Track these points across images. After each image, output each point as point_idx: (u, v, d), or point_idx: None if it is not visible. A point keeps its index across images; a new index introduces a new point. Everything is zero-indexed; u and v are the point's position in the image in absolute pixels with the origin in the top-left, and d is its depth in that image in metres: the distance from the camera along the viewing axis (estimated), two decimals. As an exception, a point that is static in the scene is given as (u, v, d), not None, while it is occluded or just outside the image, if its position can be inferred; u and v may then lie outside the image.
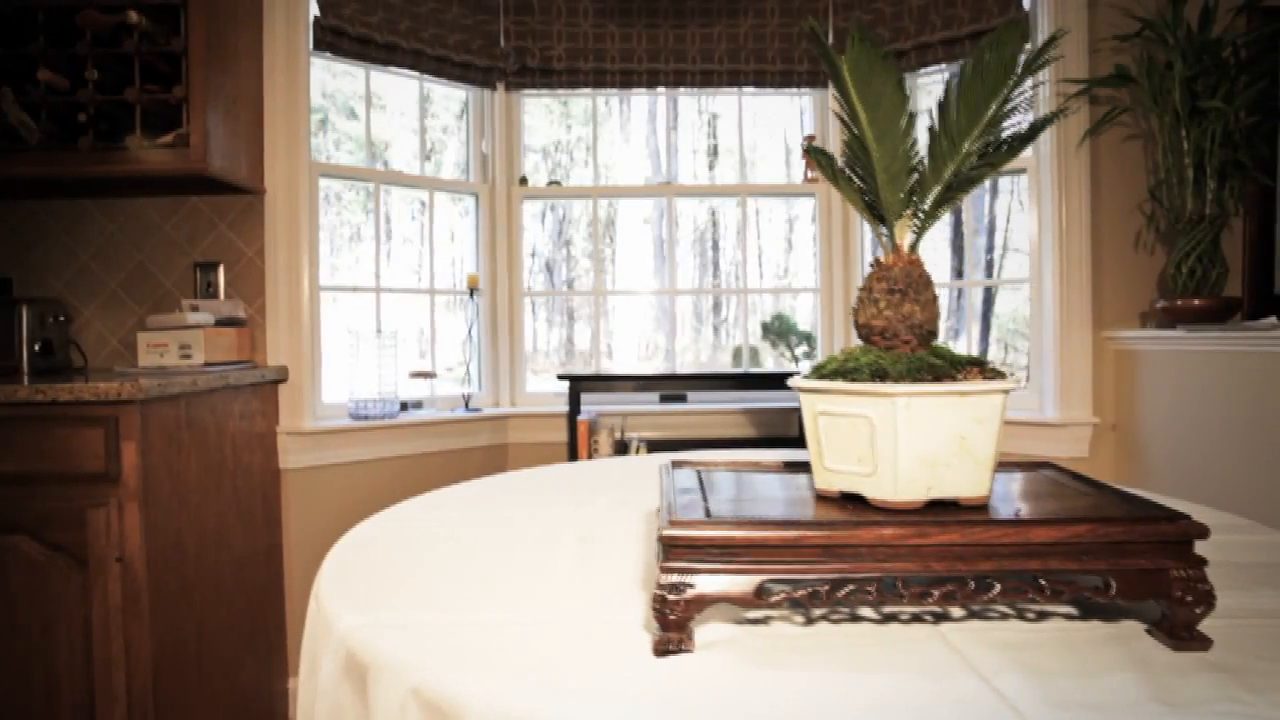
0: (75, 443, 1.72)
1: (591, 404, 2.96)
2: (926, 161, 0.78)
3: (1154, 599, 0.71)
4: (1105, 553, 0.71)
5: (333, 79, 3.25)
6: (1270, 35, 2.20)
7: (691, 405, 3.00)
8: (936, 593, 0.70)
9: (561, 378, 2.73)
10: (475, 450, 2.84)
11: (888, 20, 2.75)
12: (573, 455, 2.67)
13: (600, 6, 2.89)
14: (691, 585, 0.69)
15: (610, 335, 3.85)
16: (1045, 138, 2.49)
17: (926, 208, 0.80)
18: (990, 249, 4.51)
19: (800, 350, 3.71)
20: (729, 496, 0.83)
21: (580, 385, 2.70)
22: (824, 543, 0.69)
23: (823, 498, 0.80)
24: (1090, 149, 2.44)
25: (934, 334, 0.81)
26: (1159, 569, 0.71)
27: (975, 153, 0.79)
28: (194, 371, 2.05)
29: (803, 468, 0.92)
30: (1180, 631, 0.71)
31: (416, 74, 2.81)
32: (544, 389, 3.04)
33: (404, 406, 2.77)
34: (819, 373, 0.80)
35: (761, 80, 2.94)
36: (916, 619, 0.77)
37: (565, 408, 2.77)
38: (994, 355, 4.26)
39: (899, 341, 0.79)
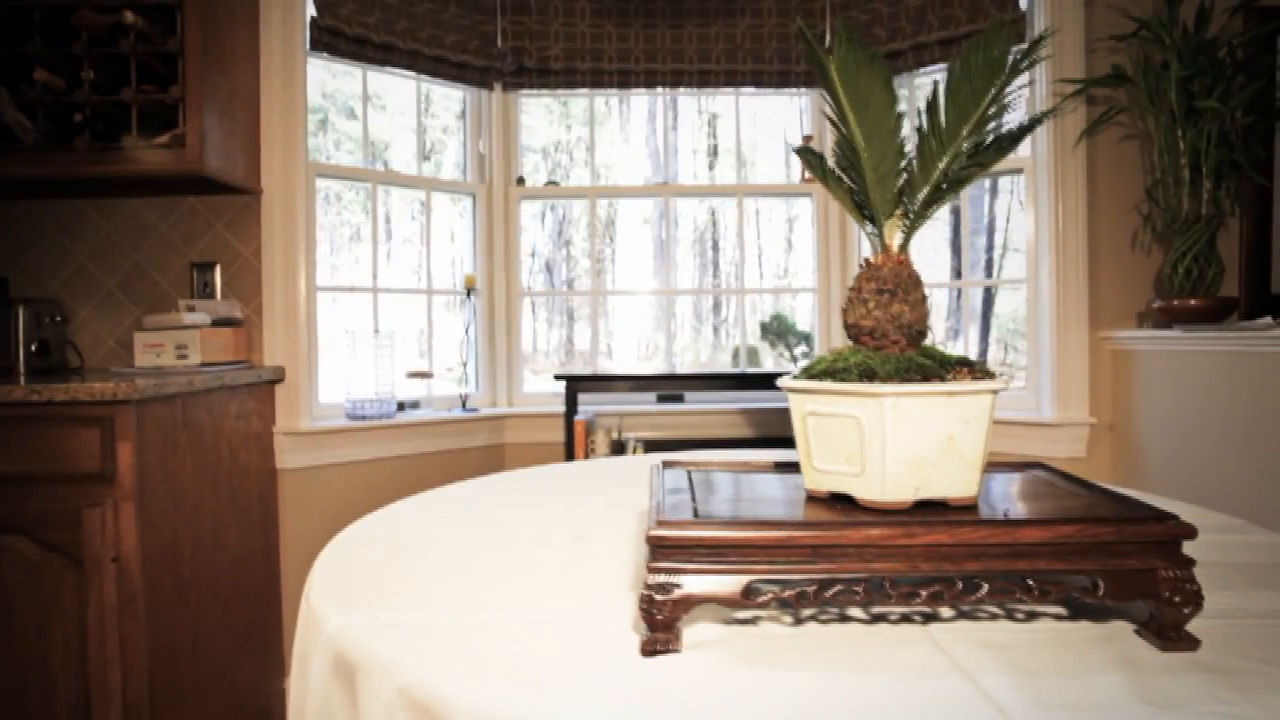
0: (71, 443, 1.72)
1: (589, 404, 2.96)
2: (915, 162, 0.78)
3: (1142, 599, 0.71)
4: (1093, 553, 0.71)
5: (333, 79, 3.26)
6: (1266, 35, 2.20)
7: (689, 405, 3.00)
8: (924, 593, 0.70)
9: (558, 378, 2.73)
10: (472, 450, 2.84)
11: (885, 20, 2.75)
12: (570, 455, 2.67)
13: (597, 7, 2.89)
14: (679, 585, 0.69)
15: (610, 335, 3.85)
16: (1042, 138, 2.49)
17: (916, 208, 0.80)
18: (990, 249, 4.51)
19: (799, 350, 3.72)
20: (718, 497, 0.83)
21: (577, 385, 2.70)
22: (811, 543, 0.69)
23: (812, 498, 0.80)
24: (1087, 149, 2.44)
25: (923, 334, 0.81)
26: (1147, 569, 0.71)
27: (965, 153, 0.79)
28: (190, 372, 2.05)
29: (793, 468, 0.92)
30: (1168, 632, 0.71)
31: (413, 74, 2.81)
32: (542, 389, 3.04)
33: (401, 407, 2.77)
34: (808, 373, 0.80)
35: (759, 80, 2.94)
36: (905, 619, 0.77)
37: (562, 408, 2.76)
38: (994, 355, 4.26)
39: (888, 341, 0.79)
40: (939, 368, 0.76)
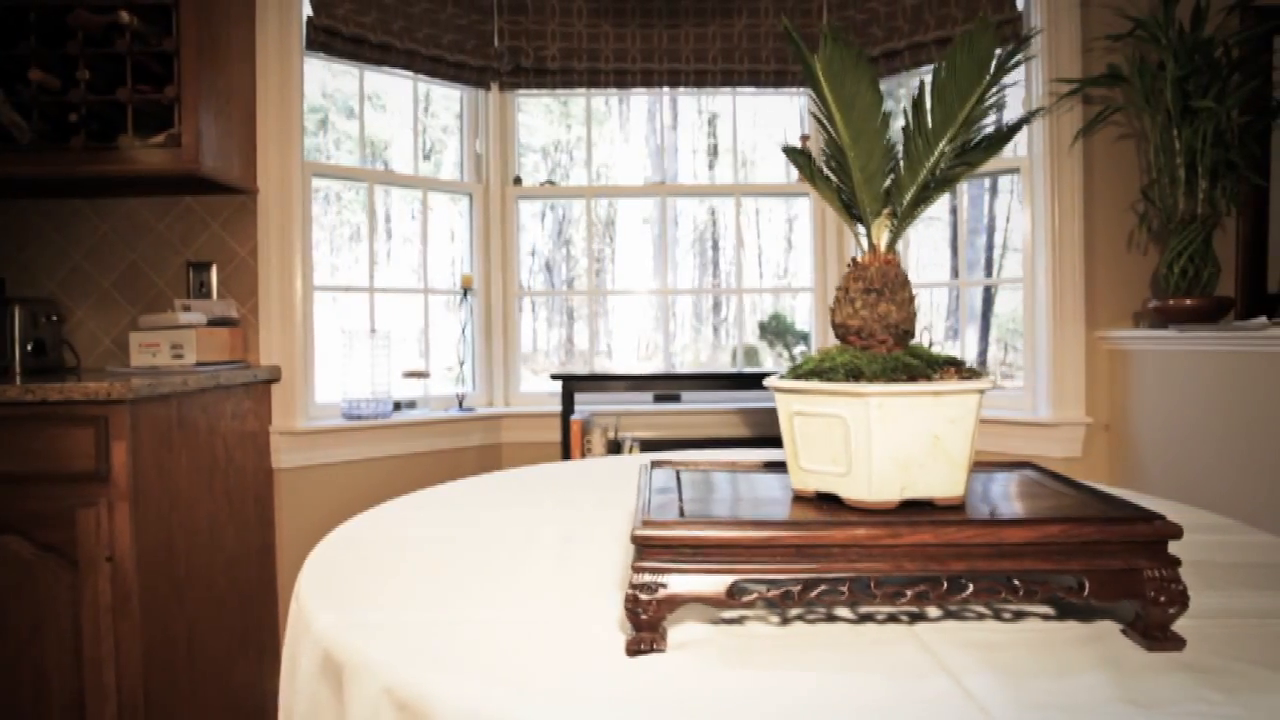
0: (65, 442, 1.72)
1: (587, 404, 2.96)
2: (902, 161, 0.78)
3: (1128, 599, 0.71)
4: (1079, 553, 0.71)
5: (333, 78, 3.26)
6: (1263, 34, 2.20)
7: (685, 405, 2.99)
8: (909, 593, 0.70)
9: (555, 377, 2.74)
10: (469, 450, 2.84)
11: (881, 20, 2.75)
12: (566, 455, 2.67)
13: (594, 6, 2.89)
14: (664, 585, 0.69)
15: (610, 335, 3.85)
16: (1038, 137, 2.49)
17: (903, 208, 0.80)
18: (990, 248, 4.51)
19: (798, 350, 3.71)
20: (705, 496, 0.83)
21: (573, 385, 2.70)
22: (796, 543, 0.69)
23: (799, 498, 0.80)
24: (1083, 148, 2.44)
25: (910, 333, 0.81)
26: (1133, 569, 0.71)
27: (952, 152, 0.79)
28: (185, 371, 2.05)
29: (782, 468, 0.92)
30: (1154, 632, 0.71)
31: (410, 74, 2.81)
32: (539, 389, 3.04)
33: (398, 406, 2.77)
34: (795, 373, 0.80)
35: (756, 80, 2.94)
36: (892, 619, 0.77)
37: (559, 408, 2.76)
38: (994, 355, 4.26)
39: (875, 341, 0.79)
40: (926, 367, 0.76)
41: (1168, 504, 1.29)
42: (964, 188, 2.90)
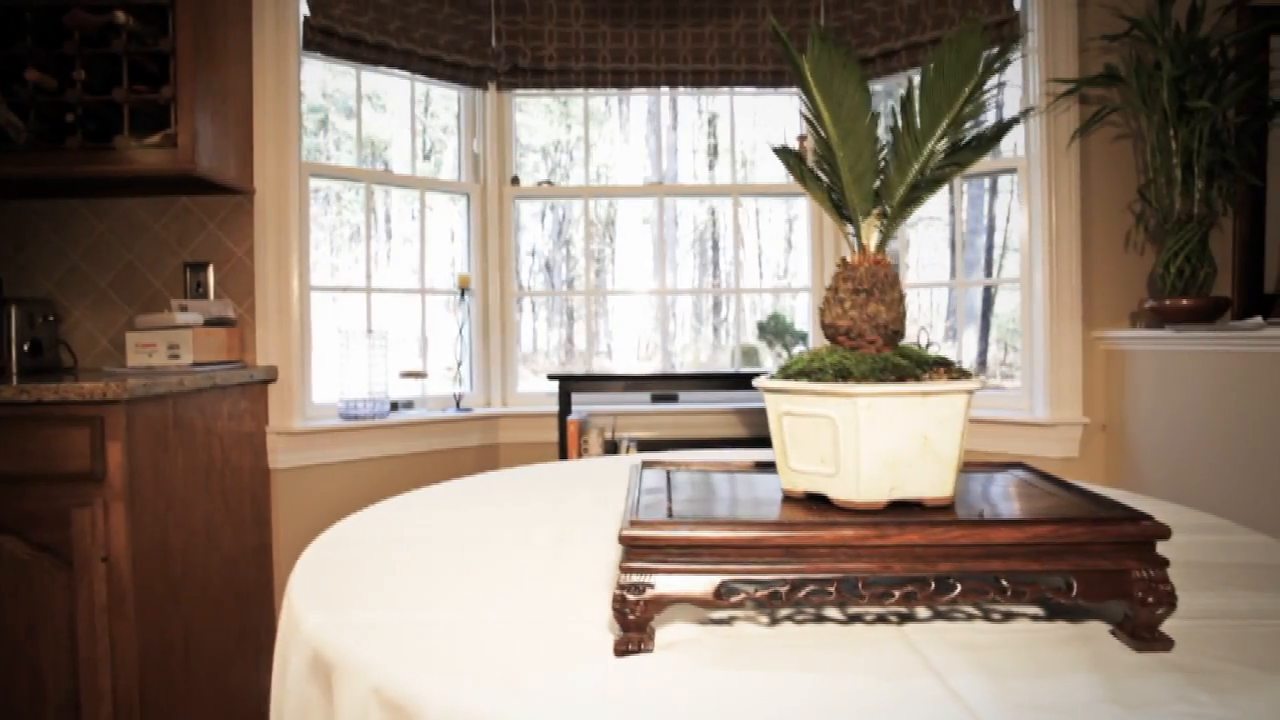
0: (61, 442, 1.72)
1: (585, 404, 2.96)
2: (891, 162, 0.78)
3: (1116, 600, 0.71)
4: (1067, 553, 0.71)
5: (333, 78, 3.26)
6: (1259, 34, 2.20)
7: (683, 405, 2.99)
8: (897, 593, 0.70)
9: (552, 377, 2.73)
10: (466, 450, 2.84)
11: (879, 20, 2.75)
12: (563, 455, 2.67)
13: (592, 6, 2.89)
14: (651, 585, 0.69)
15: (610, 335, 3.84)
16: (1035, 137, 2.49)
17: (893, 208, 0.80)
18: (990, 248, 4.51)
19: (797, 350, 3.71)
20: (695, 497, 0.82)
21: (570, 385, 2.70)
22: (784, 543, 0.69)
23: (788, 498, 0.80)
24: (1080, 148, 2.43)
25: (900, 334, 0.81)
26: (1121, 570, 0.71)
27: (941, 152, 0.78)
28: (181, 371, 2.05)
29: (773, 468, 0.92)
30: (1142, 632, 0.71)
31: (407, 74, 2.81)
32: (536, 389, 3.04)
33: (395, 406, 2.77)
34: (784, 373, 0.79)
35: (753, 80, 2.94)
36: (881, 620, 0.77)
37: (556, 408, 2.76)
38: (994, 355, 4.27)
39: (864, 341, 0.79)
40: (915, 367, 0.76)
41: (1162, 504, 1.29)
42: (964, 187, 2.89)
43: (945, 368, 0.78)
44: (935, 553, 0.70)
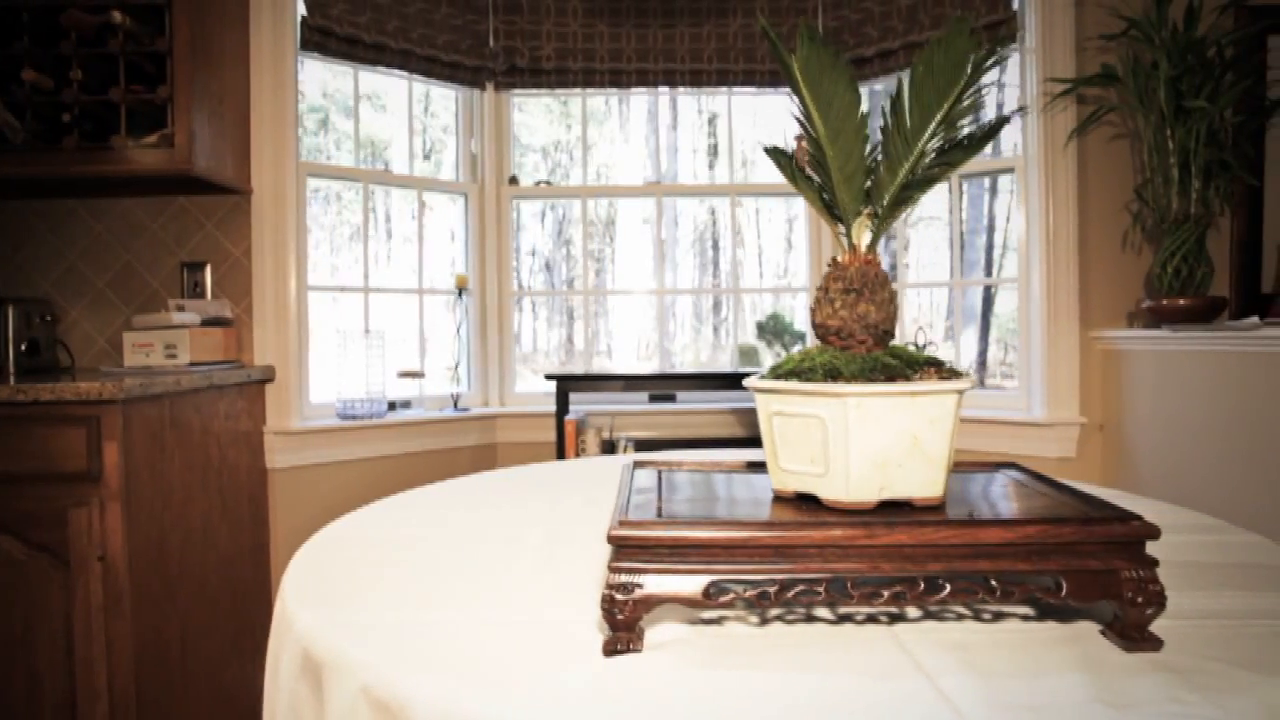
0: (57, 442, 1.72)
1: (583, 404, 2.96)
2: (881, 161, 0.78)
3: (1105, 600, 0.71)
4: (1056, 553, 0.71)
5: (334, 79, 3.26)
6: (1256, 34, 2.20)
7: (680, 405, 2.99)
8: (886, 593, 0.70)
9: (549, 377, 2.73)
10: (464, 450, 2.85)
11: (876, 19, 2.75)
12: (560, 455, 2.67)
13: (589, 6, 2.89)
14: (640, 585, 0.69)
15: (610, 335, 3.84)
16: (1033, 137, 2.49)
17: (883, 208, 0.80)
18: (990, 248, 4.51)
19: (796, 349, 3.71)
20: (685, 496, 0.82)
21: (567, 385, 2.70)
22: (772, 543, 0.69)
23: (778, 498, 0.80)
24: (1077, 148, 2.43)
25: (890, 334, 0.81)
26: (1110, 570, 0.71)
27: (931, 152, 0.78)
28: (178, 371, 2.05)
29: (764, 468, 0.92)
30: (1132, 632, 0.71)
31: (405, 74, 2.81)
32: (534, 389, 3.04)
33: (393, 406, 2.77)
34: (775, 373, 0.79)
35: (751, 80, 2.94)
36: (871, 620, 0.77)
37: (554, 407, 2.76)
38: (994, 355, 4.27)
39: (855, 341, 0.79)
40: (905, 367, 0.76)
41: (1156, 504, 1.29)
42: (964, 187, 2.89)
43: (936, 368, 0.78)
44: (924, 553, 0.70)
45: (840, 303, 0.79)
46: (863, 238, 0.82)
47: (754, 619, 0.77)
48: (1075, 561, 0.71)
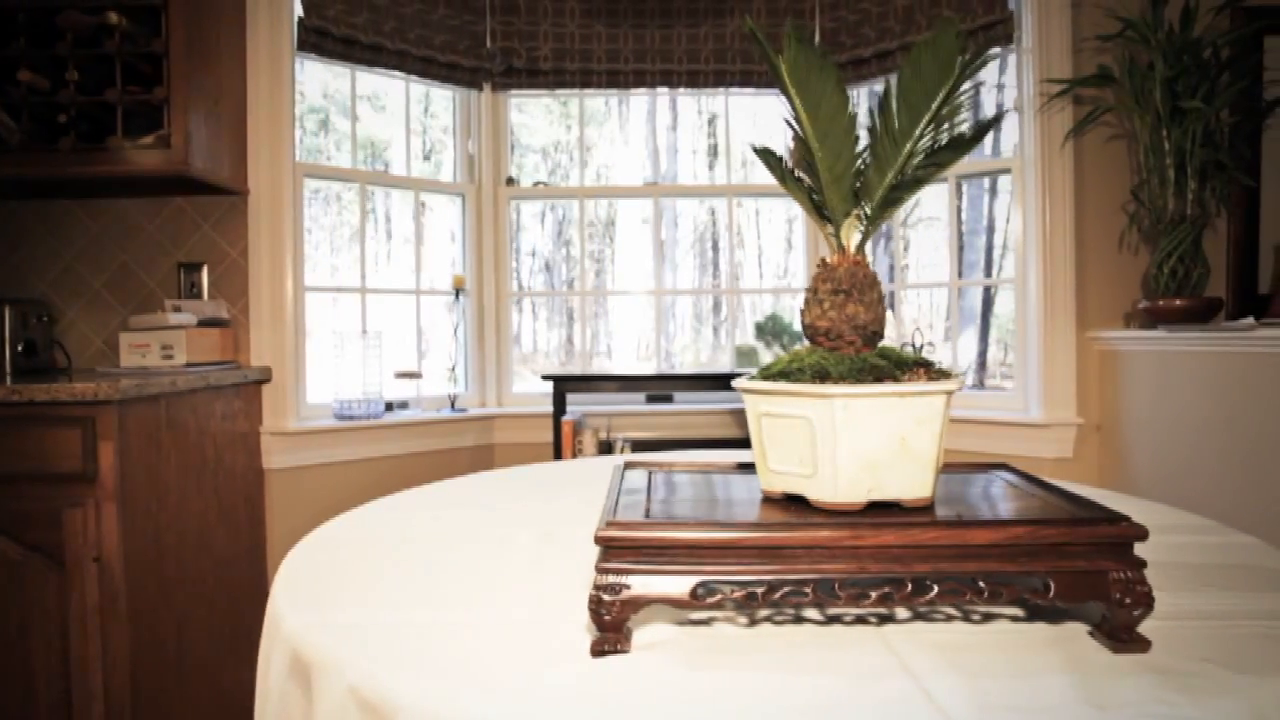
0: (52, 443, 1.72)
1: (581, 404, 2.96)
2: (870, 162, 0.78)
3: (1093, 601, 0.71)
4: (1044, 554, 0.71)
5: (334, 79, 3.26)
6: (1252, 34, 2.20)
7: (678, 405, 2.99)
8: (873, 594, 0.70)
9: (546, 378, 2.74)
10: (461, 451, 2.85)
11: (873, 20, 2.75)
12: (557, 455, 2.67)
13: (587, 7, 2.89)
14: (627, 586, 0.69)
15: (610, 336, 3.84)
16: (1030, 138, 2.48)
17: (872, 209, 0.80)
18: (990, 249, 4.50)
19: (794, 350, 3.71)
20: (674, 497, 0.82)
21: (564, 385, 2.70)
22: (759, 544, 0.69)
23: (767, 499, 0.80)
24: (1074, 149, 2.43)
25: (879, 334, 0.80)
26: (1098, 571, 0.71)
27: (921, 152, 0.79)
28: (174, 372, 2.06)
29: (755, 469, 0.92)
30: (1120, 633, 0.71)
31: (402, 75, 2.81)
32: (531, 389, 3.04)
33: (390, 407, 2.77)
34: (764, 374, 0.79)
35: (748, 80, 2.94)
36: (860, 621, 0.77)
37: (551, 408, 2.76)
38: (994, 355, 4.26)
39: (843, 342, 0.79)
40: (893, 368, 0.76)
41: (1150, 504, 1.29)
42: (964, 188, 2.90)
43: (925, 368, 0.78)
44: (911, 554, 0.70)
45: (829, 303, 0.79)
46: (852, 239, 0.82)
47: (743, 620, 0.77)
48: (1063, 562, 0.71)
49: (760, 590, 0.69)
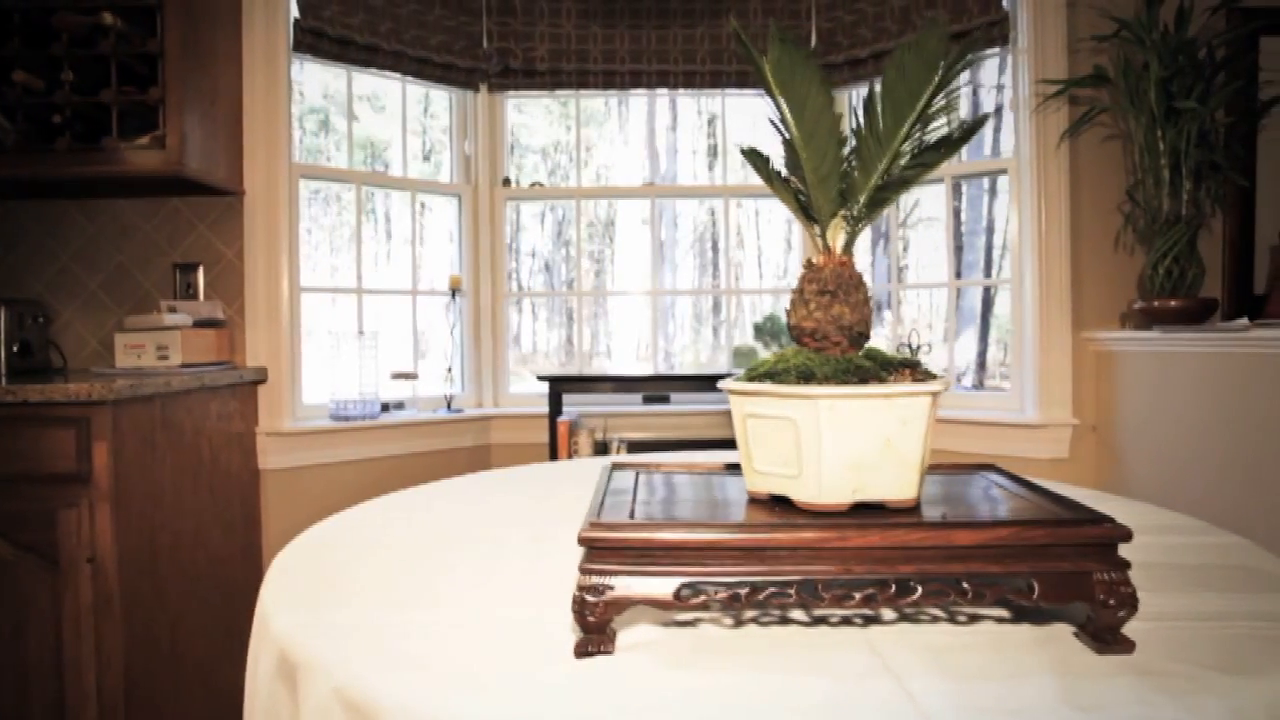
0: (46, 443, 1.73)
1: (578, 405, 2.96)
2: (856, 163, 0.78)
3: (1077, 602, 0.71)
4: (1029, 556, 0.71)
5: (334, 80, 3.26)
6: (1248, 34, 2.19)
7: (674, 406, 2.99)
8: (857, 595, 0.70)
9: (542, 378, 2.73)
10: (458, 451, 2.85)
11: (870, 21, 2.75)
12: (553, 456, 2.67)
13: (583, 8, 2.89)
14: (611, 587, 0.69)
15: (609, 336, 3.84)
16: (1025, 138, 2.48)
17: (859, 209, 0.80)
18: (989, 249, 4.50)
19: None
20: (660, 498, 0.82)
21: (560, 386, 2.70)
22: (743, 545, 0.69)
23: (753, 500, 0.80)
24: (1070, 149, 2.43)
25: (865, 335, 0.80)
26: (1082, 572, 0.71)
27: (906, 153, 0.78)
28: (169, 372, 2.06)
29: (741, 470, 0.92)
30: (1104, 634, 0.71)
31: (398, 75, 2.81)
32: (528, 390, 3.04)
33: (386, 408, 2.77)
34: (750, 375, 0.79)
35: (744, 81, 2.94)
36: (845, 622, 0.77)
37: (547, 408, 2.76)
38: (993, 356, 4.26)
39: (829, 343, 0.79)
40: (879, 369, 0.76)
41: (1141, 505, 1.29)
42: (963, 189, 2.90)
43: (911, 369, 0.78)
44: (896, 555, 0.70)
45: (815, 304, 0.79)
46: (838, 240, 0.82)
47: (728, 621, 0.77)
48: (1047, 564, 0.71)
49: (744, 591, 0.69)
